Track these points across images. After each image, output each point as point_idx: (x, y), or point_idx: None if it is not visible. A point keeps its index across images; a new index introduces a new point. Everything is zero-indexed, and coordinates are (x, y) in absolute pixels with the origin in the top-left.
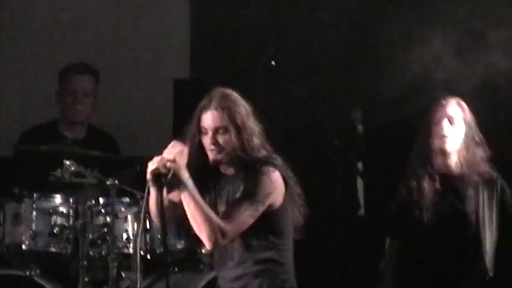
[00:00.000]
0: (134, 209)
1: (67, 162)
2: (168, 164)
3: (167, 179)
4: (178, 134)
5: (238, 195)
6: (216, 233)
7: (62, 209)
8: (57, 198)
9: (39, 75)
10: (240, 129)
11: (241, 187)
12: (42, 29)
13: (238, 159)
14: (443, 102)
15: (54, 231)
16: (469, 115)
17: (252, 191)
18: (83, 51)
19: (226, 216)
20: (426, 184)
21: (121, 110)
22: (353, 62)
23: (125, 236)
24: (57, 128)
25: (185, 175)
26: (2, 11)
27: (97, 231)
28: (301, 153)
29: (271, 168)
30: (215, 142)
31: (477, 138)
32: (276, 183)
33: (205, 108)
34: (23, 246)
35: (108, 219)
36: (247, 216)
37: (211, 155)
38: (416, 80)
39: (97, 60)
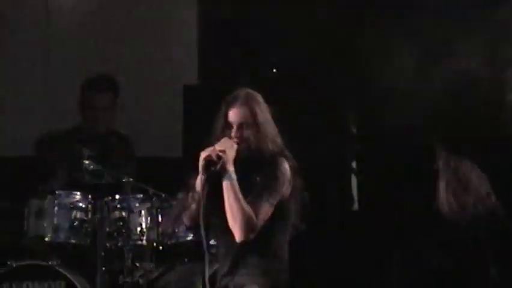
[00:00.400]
0: (148, 204)
1: (86, 162)
2: (220, 154)
3: (216, 168)
4: (187, 135)
5: (255, 187)
6: (248, 225)
7: (82, 205)
8: (77, 195)
9: (62, 82)
10: (260, 127)
11: (258, 179)
12: (63, 39)
13: (256, 153)
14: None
15: (75, 225)
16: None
17: (269, 182)
18: (100, 61)
19: (252, 210)
20: None
21: (136, 114)
22: (348, 70)
23: (139, 229)
24: (80, 132)
25: (231, 168)
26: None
27: (113, 224)
28: (302, 154)
29: (284, 159)
30: (239, 135)
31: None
32: (287, 174)
33: (231, 104)
34: (46, 239)
35: (123, 213)
36: (269, 206)
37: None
38: (404, 87)
39: (113, 69)
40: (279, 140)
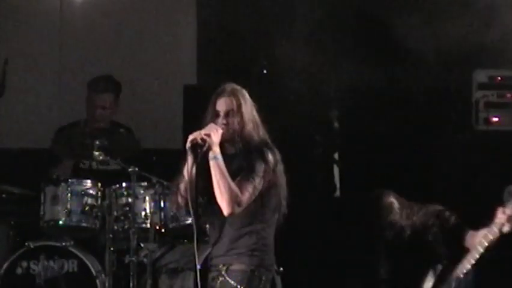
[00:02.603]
0: (151, 191)
1: (96, 153)
2: (205, 137)
3: (202, 150)
4: (187, 129)
5: (241, 171)
6: (234, 199)
7: (92, 191)
8: (88, 183)
9: (74, 79)
10: (244, 116)
11: (244, 164)
12: (74, 41)
13: (240, 140)
14: None
15: (86, 210)
16: None
17: (256, 167)
18: (108, 63)
19: (239, 189)
20: None
21: (140, 111)
22: (332, 69)
23: (143, 213)
24: (86, 125)
25: (216, 149)
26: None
27: (120, 209)
28: (289, 146)
29: (268, 150)
30: (226, 122)
31: None
32: (270, 164)
33: (219, 95)
34: (60, 222)
35: (129, 199)
36: (253, 188)
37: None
38: (386, 83)
39: (118, 70)
40: (262, 131)
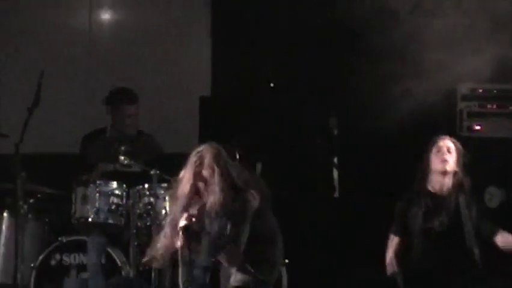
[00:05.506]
0: (171, 192)
1: (121, 157)
2: (193, 218)
3: (194, 228)
4: (202, 137)
5: (224, 230)
6: (234, 264)
7: (118, 192)
8: (114, 184)
9: (100, 93)
10: (222, 182)
11: (226, 226)
12: (102, 58)
13: (218, 210)
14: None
15: (112, 208)
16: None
17: (239, 231)
18: (130, 76)
19: (234, 255)
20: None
21: (160, 120)
22: (333, 81)
23: (163, 211)
24: (115, 132)
25: (206, 221)
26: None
27: (143, 208)
28: (293, 150)
29: (248, 195)
30: (209, 190)
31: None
32: (249, 218)
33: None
34: (89, 219)
35: (151, 199)
36: (243, 245)
37: None
38: (381, 93)
39: (140, 83)
40: (242, 178)
